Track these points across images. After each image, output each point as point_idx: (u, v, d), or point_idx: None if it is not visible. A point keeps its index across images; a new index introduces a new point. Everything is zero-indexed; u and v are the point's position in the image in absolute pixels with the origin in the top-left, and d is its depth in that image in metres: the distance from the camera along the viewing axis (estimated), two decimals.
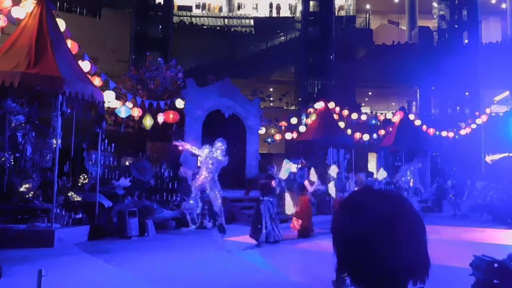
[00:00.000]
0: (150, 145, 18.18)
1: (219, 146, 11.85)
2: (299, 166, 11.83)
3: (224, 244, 9.45)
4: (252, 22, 34.31)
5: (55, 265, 6.81)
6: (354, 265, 1.07)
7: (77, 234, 9.58)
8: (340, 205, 1.16)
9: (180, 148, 12.42)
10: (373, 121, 23.90)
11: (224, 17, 35.13)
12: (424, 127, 22.97)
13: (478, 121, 25.79)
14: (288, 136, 20.61)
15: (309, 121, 20.78)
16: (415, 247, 1.05)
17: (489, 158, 27.97)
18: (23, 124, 10.23)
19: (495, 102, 32.24)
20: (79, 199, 10.66)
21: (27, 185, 9.83)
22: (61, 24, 10.92)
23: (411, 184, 16.71)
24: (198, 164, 12.93)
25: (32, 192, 9.83)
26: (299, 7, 32.07)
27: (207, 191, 11.86)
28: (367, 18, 34.86)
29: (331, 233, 1.12)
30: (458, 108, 30.79)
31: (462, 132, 25.17)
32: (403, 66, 27.66)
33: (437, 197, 18.96)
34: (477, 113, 26.84)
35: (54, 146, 10.09)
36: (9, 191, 9.64)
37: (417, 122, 22.41)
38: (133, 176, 12.88)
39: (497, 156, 26.57)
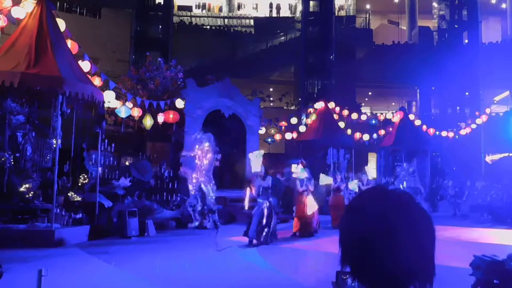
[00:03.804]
0: (150, 145, 18.18)
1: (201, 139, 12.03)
2: (299, 166, 11.84)
3: (218, 242, 9.35)
4: (252, 22, 34.31)
5: (55, 265, 6.81)
6: (355, 264, 1.08)
7: (77, 234, 9.58)
8: (348, 204, 1.18)
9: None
10: (373, 121, 23.91)
11: (224, 17, 35.12)
12: (424, 127, 22.97)
13: (478, 121, 25.79)
14: (288, 136, 20.61)
15: (309, 121, 20.80)
16: (417, 251, 1.04)
17: (489, 158, 27.97)
18: (23, 124, 10.23)
19: (495, 102, 32.24)
20: (79, 199, 10.66)
21: (27, 185, 9.82)
22: (61, 24, 10.91)
23: (404, 185, 16.79)
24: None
25: (32, 192, 9.82)
26: (299, 7, 32.07)
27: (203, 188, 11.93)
28: (367, 18, 34.86)
29: (339, 230, 1.13)
30: (458, 108, 30.80)
31: (462, 132, 25.17)
32: (403, 66, 27.68)
33: (431, 197, 18.94)
34: (477, 113, 26.85)
35: (54, 146, 10.09)
36: (9, 191, 9.63)
37: (417, 122, 22.41)
38: (133, 176, 12.86)
39: (497, 156, 26.57)
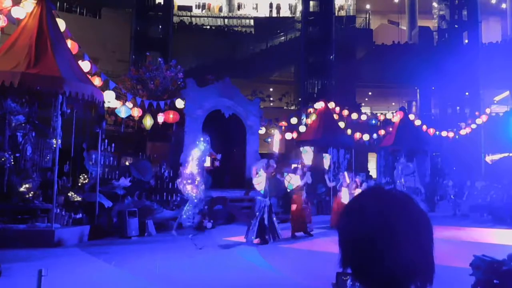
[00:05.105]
0: (150, 145, 18.17)
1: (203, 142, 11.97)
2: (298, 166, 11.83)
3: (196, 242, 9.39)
4: (252, 22, 34.31)
5: (55, 265, 6.81)
6: (355, 264, 1.08)
7: (77, 234, 9.58)
8: (346, 205, 1.17)
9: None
10: (373, 121, 23.90)
11: (224, 17, 35.12)
12: (424, 127, 22.97)
13: (478, 121, 25.78)
14: (288, 136, 20.61)
15: (309, 121, 20.79)
16: (417, 250, 1.04)
17: (489, 158, 27.98)
18: (23, 124, 10.23)
19: (495, 102, 32.23)
20: (79, 199, 10.66)
21: (27, 185, 9.83)
22: (61, 24, 10.91)
23: (402, 181, 16.84)
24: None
25: (32, 192, 9.83)
26: (299, 7, 32.08)
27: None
28: (367, 18, 34.85)
29: (338, 232, 1.13)
30: (458, 108, 30.80)
31: (462, 132, 25.17)
32: (403, 66, 27.67)
33: (431, 196, 18.96)
34: (477, 113, 26.84)
35: (54, 146, 10.09)
36: (9, 191, 9.63)
37: (417, 122, 22.41)
38: (133, 176, 12.87)
39: (497, 156, 26.57)
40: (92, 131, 11.00)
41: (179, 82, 20.13)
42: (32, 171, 10.16)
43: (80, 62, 11.26)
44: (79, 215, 10.16)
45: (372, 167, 27.71)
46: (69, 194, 10.55)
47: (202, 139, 12.07)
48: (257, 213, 9.72)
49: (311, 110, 21.37)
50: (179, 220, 11.39)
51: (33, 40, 9.48)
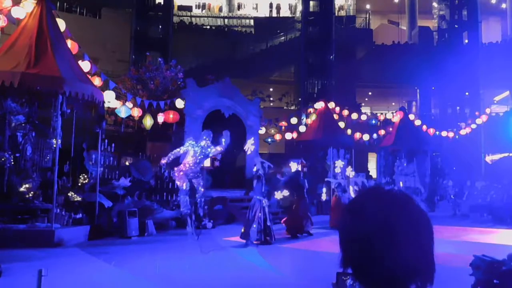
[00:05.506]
0: (150, 145, 18.16)
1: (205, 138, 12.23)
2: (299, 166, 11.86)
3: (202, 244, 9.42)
4: (252, 22, 34.30)
5: (55, 265, 6.81)
6: (355, 264, 1.08)
7: (77, 234, 9.58)
8: (347, 205, 1.18)
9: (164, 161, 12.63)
10: (373, 121, 23.90)
11: (224, 17, 35.11)
12: (424, 127, 22.98)
13: (478, 121, 25.79)
14: (288, 136, 20.60)
15: (309, 121, 20.79)
16: (417, 250, 1.04)
17: (489, 158, 27.98)
18: (23, 124, 10.23)
19: (495, 102, 32.23)
20: (79, 199, 10.66)
21: (27, 185, 9.83)
22: (61, 24, 10.91)
23: (401, 184, 16.88)
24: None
25: (32, 192, 9.83)
26: (299, 7, 32.07)
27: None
28: (367, 18, 34.84)
29: (338, 232, 1.13)
30: (458, 108, 30.79)
31: (462, 132, 25.18)
32: (403, 66, 27.65)
33: (431, 196, 18.98)
34: (477, 113, 26.85)
35: (54, 146, 10.09)
36: (9, 191, 9.63)
37: (417, 122, 22.42)
38: (133, 176, 12.87)
39: (497, 156, 26.57)
40: (92, 131, 11.00)
41: (179, 82, 20.11)
42: (32, 171, 10.16)
43: (80, 62, 11.25)
44: (79, 215, 10.16)
45: (372, 167, 27.71)
46: (69, 194, 10.55)
47: (205, 137, 12.26)
48: (256, 214, 9.69)
49: (311, 110, 21.37)
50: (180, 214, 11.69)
51: (33, 40, 9.48)
